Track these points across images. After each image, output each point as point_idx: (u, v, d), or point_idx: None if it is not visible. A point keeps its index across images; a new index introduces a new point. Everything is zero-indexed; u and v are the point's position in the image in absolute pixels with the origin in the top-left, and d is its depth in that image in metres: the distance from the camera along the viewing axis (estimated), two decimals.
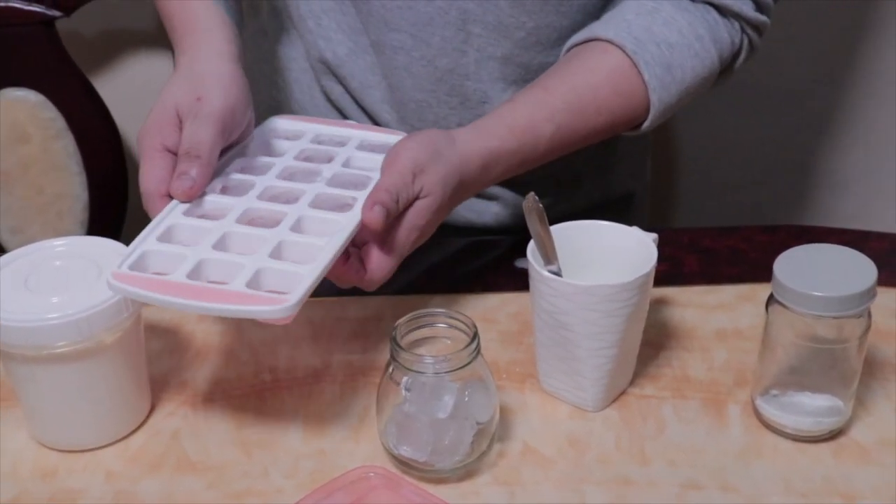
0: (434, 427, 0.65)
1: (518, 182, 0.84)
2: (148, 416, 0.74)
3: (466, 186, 0.76)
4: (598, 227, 0.75)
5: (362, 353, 0.79)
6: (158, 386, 0.75)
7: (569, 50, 0.86)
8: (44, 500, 0.67)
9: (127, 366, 0.71)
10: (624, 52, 0.82)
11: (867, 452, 0.69)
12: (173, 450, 0.71)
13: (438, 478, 0.67)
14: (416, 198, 0.72)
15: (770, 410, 0.71)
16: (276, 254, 0.67)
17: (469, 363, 0.65)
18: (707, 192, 1.49)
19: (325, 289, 0.88)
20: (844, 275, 0.66)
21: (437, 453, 0.66)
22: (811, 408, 0.69)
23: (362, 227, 0.70)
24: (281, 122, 0.83)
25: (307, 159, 0.79)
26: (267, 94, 1.00)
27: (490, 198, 0.97)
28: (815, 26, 1.35)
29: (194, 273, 0.65)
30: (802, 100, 1.41)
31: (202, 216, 0.71)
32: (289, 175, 0.76)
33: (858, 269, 0.67)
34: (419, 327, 0.68)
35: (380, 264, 0.71)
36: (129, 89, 1.30)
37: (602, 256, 0.74)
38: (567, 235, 0.74)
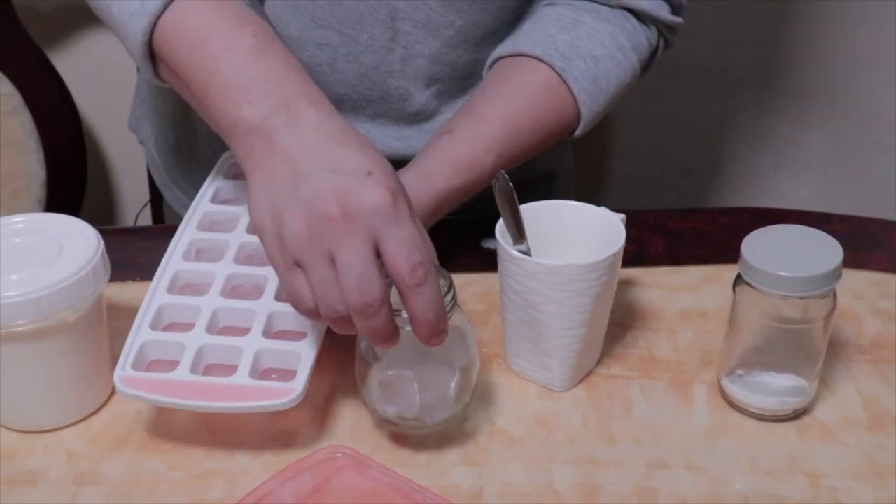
0: (417, 381, 0.65)
1: None
2: (110, 396, 0.72)
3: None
4: (566, 206, 0.75)
5: (328, 330, 0.78)
6: None
7: (493, 62, 0.86)
8: (1, 481, 0.66)
9: (89, 345, 0.70)
10: (553, 69, 0.83)
11: (831, 432, 0.70)
12: (136, 430, 0.70)
13: (418, 439, 0.67)
14: None
15: (736, 390, 0.71)
16: (269, 329, 0.69)
17: (448, 313, 0.64)
18: (662, 175, 1.50)
19: None
20: (811, 255, 0.66)
21: (424, 408, 0.66)
22: (776, 387, 0.70)
23: None
24: (232, 160, 0.84)
25: None
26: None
27: None
28: (774, 8, 1.35)
29: (196, 362, 0.66)
30: (759, 84, 1.42)
31: (185, 287, 0.72)
32: None
33: (824, 249, 0.67)
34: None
35: None
36: (87, 65, 1.28)
37: (569, 236, 0.74)
38: (534, 215, 0.73)
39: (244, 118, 0.63)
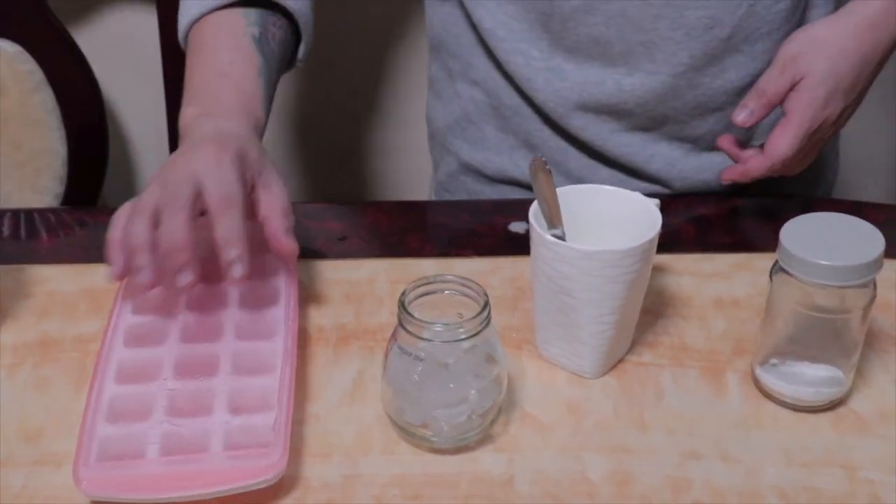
0: (442, 394, 0.64)
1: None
2: None
3: (858, 45, 0.82)
4: (599, 190, 0.73)
5: (355, 316, 0.77)
6: None
7: None
8: None
9: None
10: None
11: (866, 424, 0.69)
12: None
13: (439, 447, 0.66)
14: (792, 85, 0.81)
15: (770, 380, 0.70)
16: (234, 405, 0.65)
17: (480, 331, 0.63)
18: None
19: (315, 250, 0.86)
20: (851, 244, 0.65)
21: (443, 420, 0.64)
22: (811, 378, 0.69)
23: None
24: None
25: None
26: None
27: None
28: None
29: (164, 452, 0.62)
30: None
31: (135, 376, 0.67)
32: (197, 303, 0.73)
33: (865, 238, 0.66)
34: (427, 293, 0.66)
35: (779, 139, 0.81)
36: (109, 42, 1.27)
37: (602, 221, 0.73)
38: (566, 199, 0.72)
39: (183, 115, 0.79)
